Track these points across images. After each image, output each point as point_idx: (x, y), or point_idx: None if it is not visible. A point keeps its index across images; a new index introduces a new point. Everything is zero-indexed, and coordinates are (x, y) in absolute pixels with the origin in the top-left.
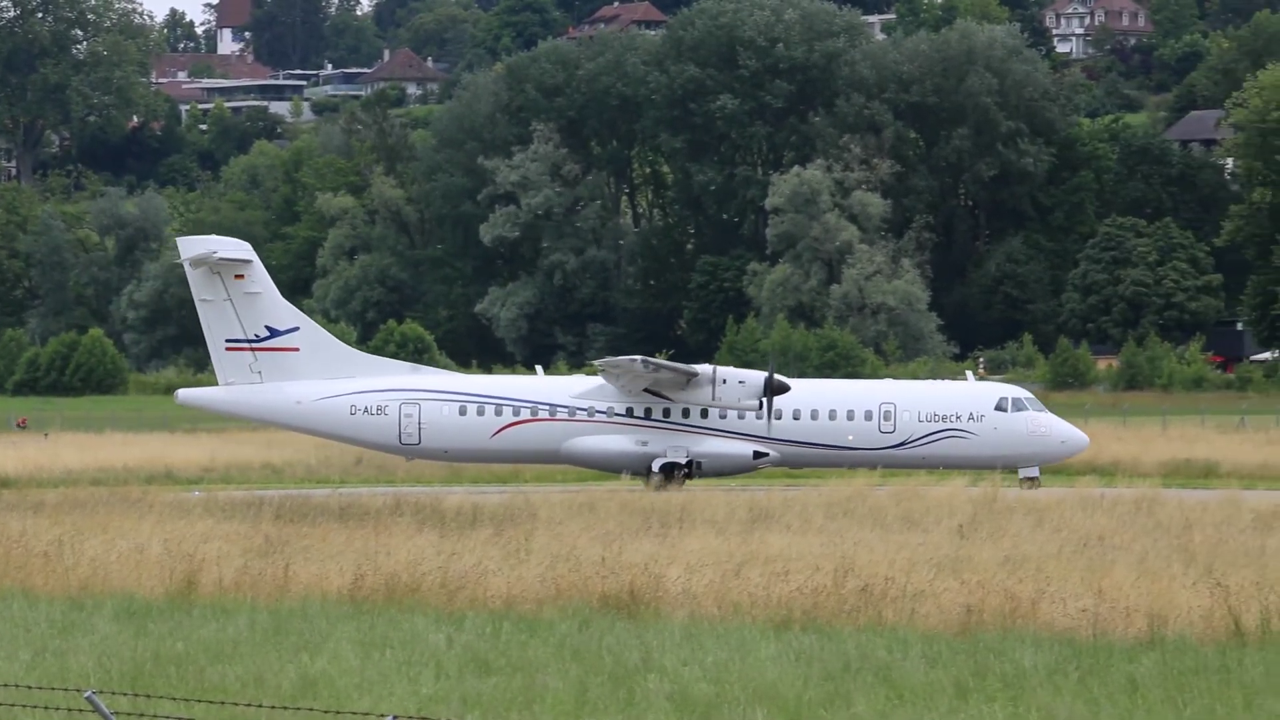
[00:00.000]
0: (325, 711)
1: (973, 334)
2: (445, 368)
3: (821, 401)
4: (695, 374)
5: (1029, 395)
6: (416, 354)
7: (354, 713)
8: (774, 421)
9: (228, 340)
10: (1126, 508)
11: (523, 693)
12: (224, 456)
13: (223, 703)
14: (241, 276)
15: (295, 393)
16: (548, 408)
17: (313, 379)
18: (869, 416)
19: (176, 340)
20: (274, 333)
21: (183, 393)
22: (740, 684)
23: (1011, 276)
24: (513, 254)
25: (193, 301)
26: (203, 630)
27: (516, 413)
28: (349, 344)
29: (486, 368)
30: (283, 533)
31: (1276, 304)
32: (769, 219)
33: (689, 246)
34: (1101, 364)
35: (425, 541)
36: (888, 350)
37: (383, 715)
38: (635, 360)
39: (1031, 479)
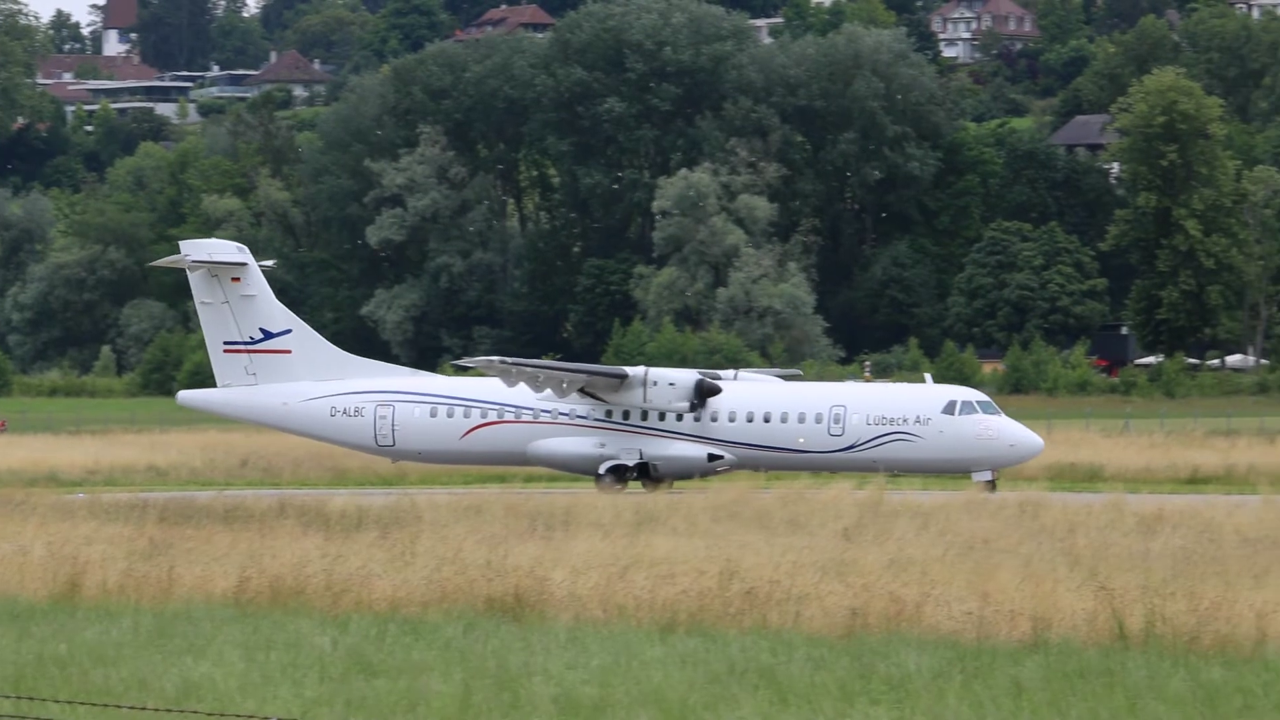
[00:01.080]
0: (209, 714)
1: (859, 337)
2: None
3: (774, 403)
4: (625, 375)
5: (983, 398)
6: None
7: (237, 715)
8: (729, 424)
9: (225, 343)
10: (1011, 511)
11: (407, 696)
12: (108, 459)
13: (106, 705)
14: (238, 279)
15: (283, 394)
16: (514, 410)
17: (303, 380)
18: (819, 419)
19: (61, 342)
20: (268, 335)
21: (183, 394)
22: (625, 687)
23: (897, 280)
24: (399, 256)
25: (79, 304)
26: (86, 633)
27: (484, 415)
28: None
29: None
30: (167, 535)
31: (1161, 308)
32: (656, 222)
33: (575, 249)
34: (987, 368)
35: (310, 544)
36: (774, 354)
37: (266, 718)
38: (492, 360)
39: (987, 483)
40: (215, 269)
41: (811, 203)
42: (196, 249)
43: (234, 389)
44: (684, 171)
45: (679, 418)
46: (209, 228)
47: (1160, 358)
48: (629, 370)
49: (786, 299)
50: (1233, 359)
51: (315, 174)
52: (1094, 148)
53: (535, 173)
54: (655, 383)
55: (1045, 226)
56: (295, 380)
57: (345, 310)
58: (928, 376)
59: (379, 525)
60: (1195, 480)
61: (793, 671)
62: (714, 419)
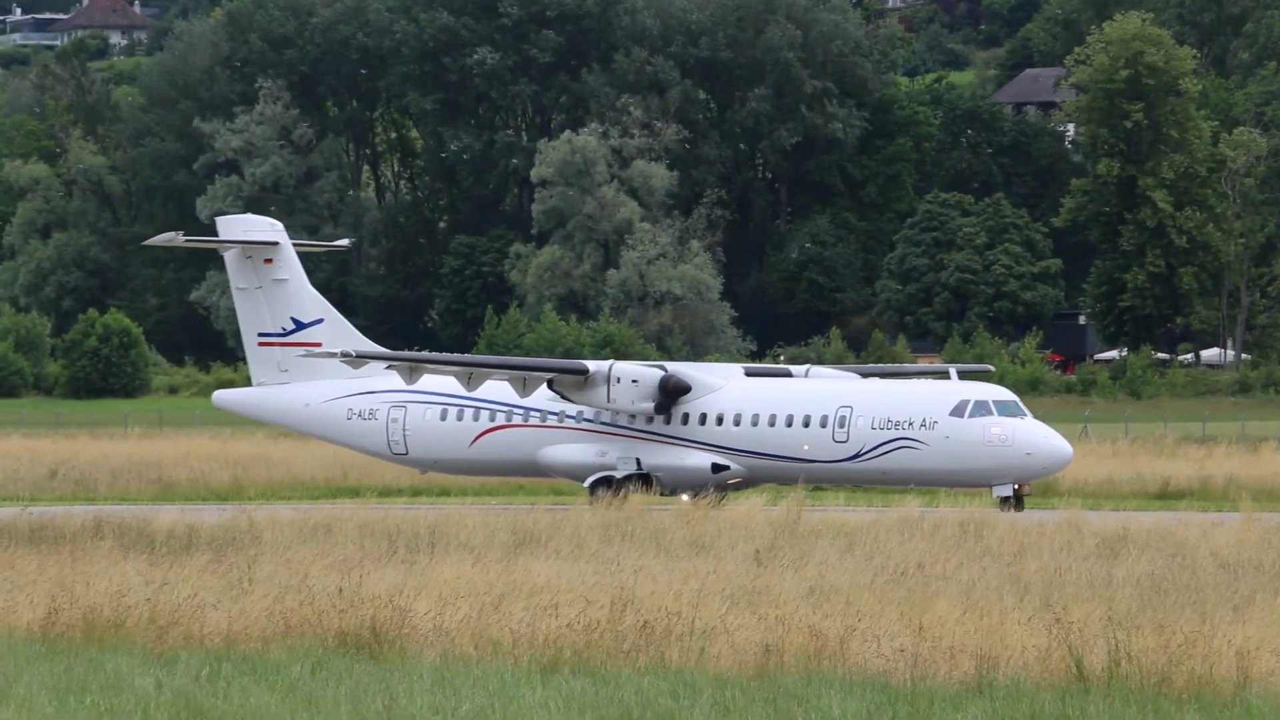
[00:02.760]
0: None
1: (772, 327)
2: (155, 365)
3: (778, 404)
4: (586, 371)
5: (1005, 398)
6: (122, 349)
7: None
8: (732, 429)
9: (259, 334)
10: (950, 531)
11: None
12: None
13: None
14: (270, 261)
15: (306, 394)
16: (522, 412)
17: (334, 378)
18: (824, 423)
19: None
20: (299, 325)
21: (218, 394)
22: None
23: (817, 261)
24: None
25: None
26: None
27: (493, 418)
28: (42, 339)
29: (204, 366)
30: None
31: (1125, 294)
32: (535, 193)
33: (441, 225)
34: (922, 362)
35: (131, 569)
36: (673, 347)
37: None
38: (335, 353)
39: (1005, 499)
40: (249, 249)
41: (717, 170)
42: (232, 226)
43: (267, 388)
44: (568, 134)
45: (649, 420)
46: (10, 198)
47: (1124, 351)
48: (590, 365)
49: (688, 283)
50: (1208, 353)
51: (136, 136)
52: (1046, 106)
53: (394, 135)
54: (619, 379)
55: (990, 199)
56: (325, 377)
57: (171, 296)
58: (952, 370)
59: (212, 547)
60: (1165, 495)
61: (697, 717)
62: (716, 422)
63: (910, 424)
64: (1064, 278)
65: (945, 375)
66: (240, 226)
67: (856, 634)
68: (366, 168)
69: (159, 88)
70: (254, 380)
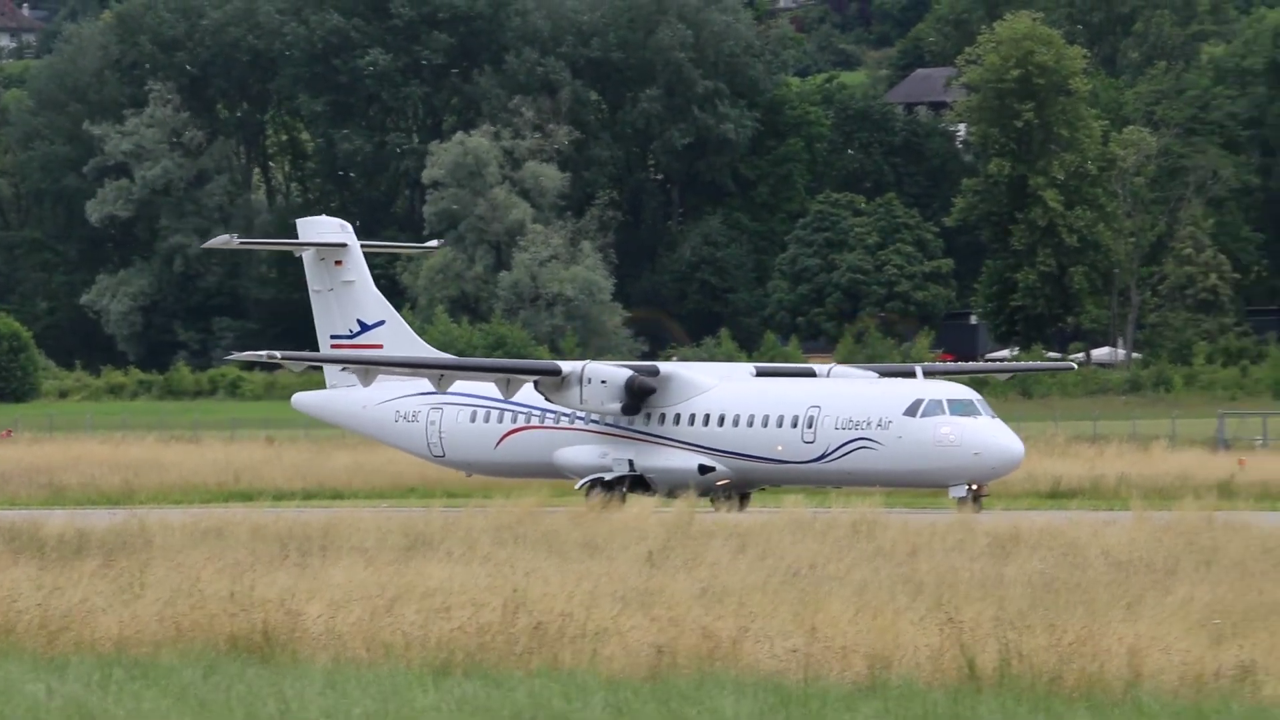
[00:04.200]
0: None
1: (664, 328)
2: (45, 369)
3: (755, 403)
4: (559, 371)
5: (963, 397)
6: (12, 353)
7: None
8: (716, 430)
9: (332, 337)
10: (842, 531)
11: None
12: None
13: None
14: (340, 263)
15: (365, 397)
16: (540, 414)
17: (392, 380)
18: (795, 423)
19: None
20: (364, 327)
21: (297, 397)
22: None
23: (709, 261)
24: (125, 236)
25: None
26: None
27: (515, 420)
28: None
29: (94, 370)
30: None
31: (1016, 293)
32: (427, 194)
33: None
34: (814, 362)
35: (20, 574)
36: (565, 348)
37: None
38: (260, 354)
39: (962, 500)
40: (323, 251)
41: (609, 171)
42: (308, 229)
43: (337, 390)
44: (460, 135)
45: (616, 420)
46: None
47: (1015, 351)
48: (564, 366)
49: (580, 284)
50: (1099, 352)
51: (24, 139)
52: (937, 106)
53: (285, 137)
54: (590, 380)
55: (881, 198)
56: (385, 379)
57: (62, 299)
58: (918, 368)
59: (102, 551)
60: (1057, 494)
61: (589, 719)
62: (703, 422)
63: (868, 424)
64: (955, 277)
65: (954, 375)
66: (314, 229)
67: (749, 635)
68: (257, 170)
69: (48, 90)
70: (327, 382)
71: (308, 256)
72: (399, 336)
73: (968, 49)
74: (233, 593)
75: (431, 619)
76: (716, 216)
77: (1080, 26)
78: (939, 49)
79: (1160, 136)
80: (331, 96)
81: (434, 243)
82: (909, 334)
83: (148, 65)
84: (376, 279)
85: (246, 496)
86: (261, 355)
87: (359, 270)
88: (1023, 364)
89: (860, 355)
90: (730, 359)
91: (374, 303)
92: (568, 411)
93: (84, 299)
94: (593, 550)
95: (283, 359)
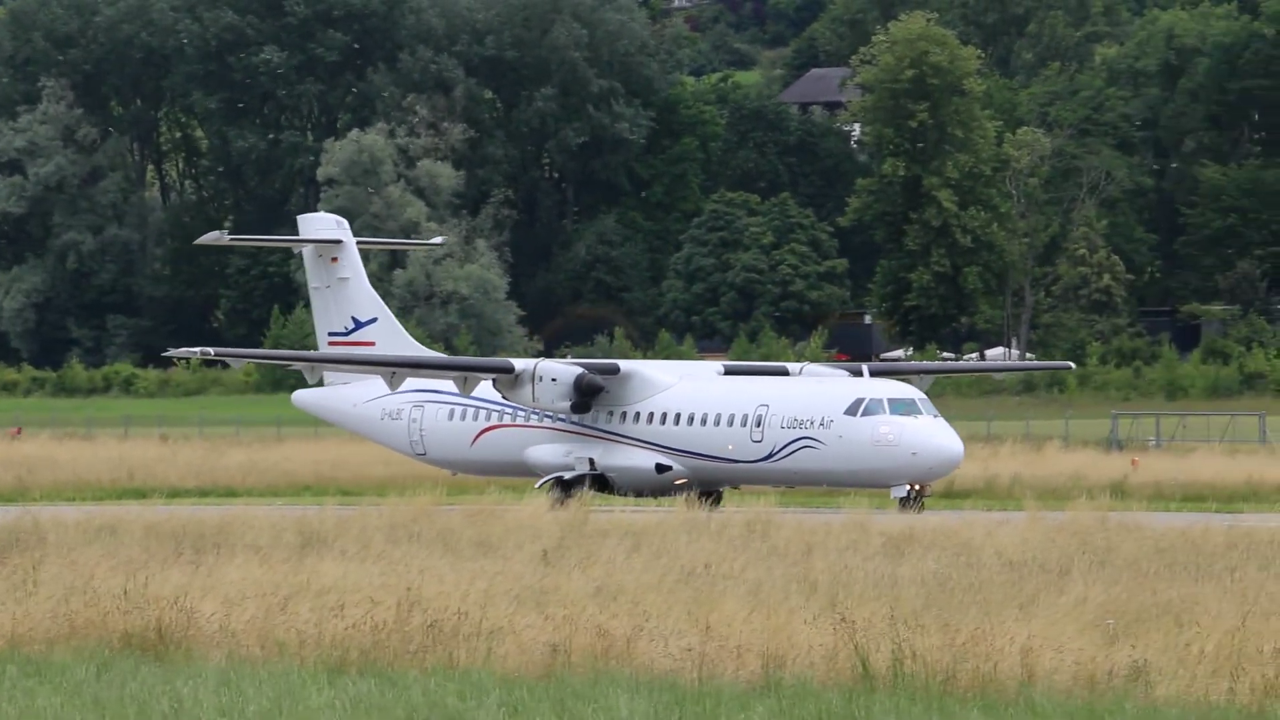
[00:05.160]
0: None
1: (560, 327)
2: None
3: (708, 402)
4: (512, 369)
5: (903, 396)
6: None
7: None
8: (673, 429)
9: (330, 334)
10: (737, 531)
11: None
12: None
13: None
14: (336, 260)
15: (355, 395)
16: (511, 411)
17: (380, 378)
18: (744, 422)
19: None
20: (358, 324)
21: (297, 394)
22: None
23: (604, 260)
24: (18, 233)
25: None
26: None
27: (489, 417)
28: None
29: None
30: None
31: (910, 294)
32: (321, 192)
33: (227, 224)
34: (707, 360)
35: None
36: (460, 346)
37: None
38: (194, 351)
39: (903, 500)
40: (320, 248)
41: (504, 170)
42: (306, 225)
43: (333, 388)
44: (355, 133)
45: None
46: None
47: (909, 351)
48: (517, 363)
49: (475, 282)
50: (993, 353)
51: None
52: (832, 106)
53: (179, 134)
54: (541, 378)
55: (776, 198)
56: (376, 378)
57: None
58: (864, 367)
59: None
60: (950, 494)
61: (484, 718)
62: (660, 421)
63: (811, 423)
64: (850, 277)
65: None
66: (312, 225)
67: (644, 634)
68: (151, 167)
69: None
70: (325, 381)
71: (307, 253)
72: (390, 334)
73: (862, 49)
74: (126, 590)
75: (326, 617)
76: (611, 215)
77: (974, 27)
78: (833, 49)
79: (1054, 137)
80: (226, 94)
81: (438, 239)
82: (803, 333)
83: (41, 61)
84: (270, 276)
85: (140, 494)
86: (195, 352)
87: (354, 267)
88: (1021, 363)
89: (755, 354)
90: (625, 358)
91: (368, 300)
92: (533, 410)
93: None
94: (487, 549)
95: (216, 355)
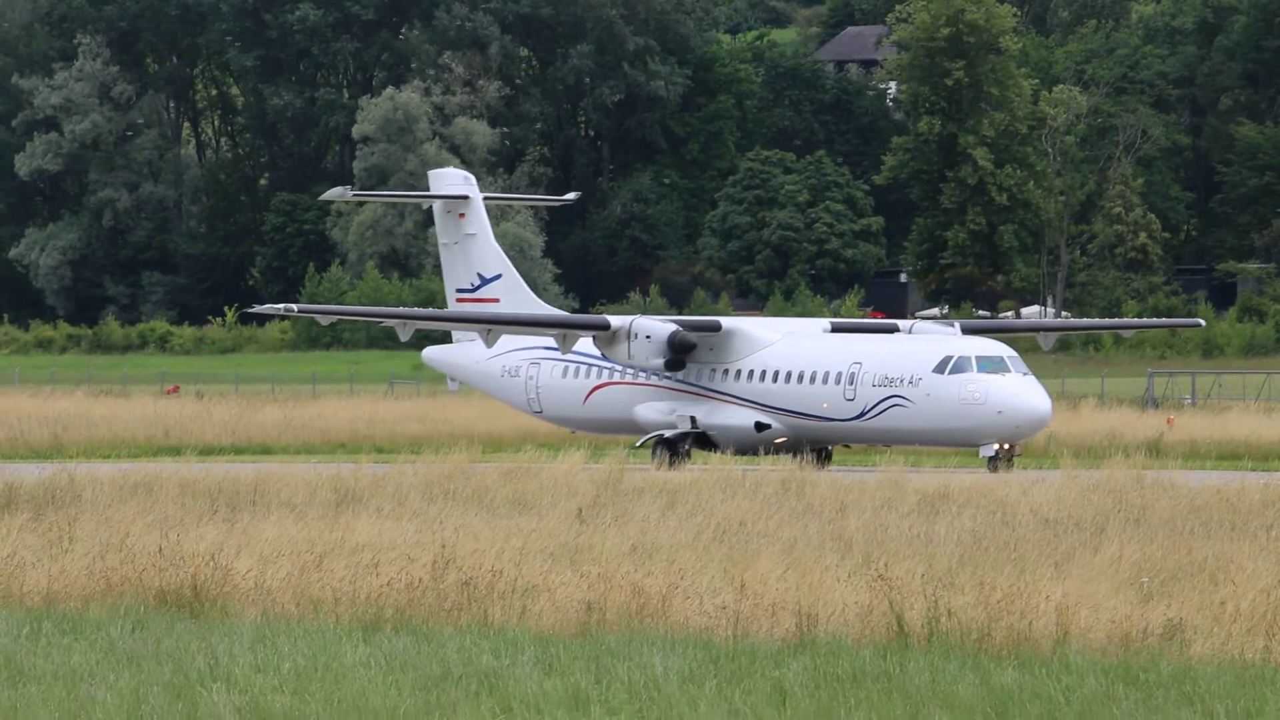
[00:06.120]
0: None
1: (594, 285)
2: None
3: (807, 359)
4: (608, 326)
5: (992, 353)
6: None
7: None
8: (772, 387)
9: (457, 290)
10: (772, 489)
11: (66, 705)
12: None
13: None
14: (463, 215)
15: (477, 352)
16: (621, 369)
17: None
18: (838, 379)
19: None
20: (483, 280)
21: (427, 351)
22: (323, 695)
23: (640, 218)
24: (54, 190)
25: None
26: None
27: (600, 375)
28: None
29: (23, 324)
30: None
31: (946, 252)
32: (357, 150)
33: (262, 182)
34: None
35: None
36: None
37: None
38: (278, 308)
39: (992, 460)
40: (449, 204)
41: (539, 128)
42: (436, 181)
43: (459, 345)
44: (390, 91)
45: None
46: None
47: (945, 309)
48: (613, 320)
49: (511, 240)
50: (1029, 311)
51: None
52: (868, 64)
53: (214, 92)
54: (637, 335)
55: (811, 156)
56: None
57: None
58: (956, 324)
59: (31, 506)
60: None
61: (518, 676)
62: (760, 378)
63: (901, 381)
64: (885, 235)
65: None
66: (441, 181)
67: (679, 592)
68: (187, 124)
69: None
70: (455, 337)
71: (437, 208)
72: (513, 290)
73: (898, 7)
74: (161, 547)
75: (361, 575)
76: (647, 174)
77: None
78: (869, 7)
79: (1090, 95)
80: (261, 51)
81: (571, 195)
82: (839, 291)
83: (77, 19)
84: (306, 234)
85: (175, 451)
86: (280, 309)
87: (480, 223)
88: (1147, 320)
89: (791, 312)
90: (661, 314)
91: (493, 256)
92: (627, 367)
93: (12, 253)
94: (523, 507)
95: (301, 311)
